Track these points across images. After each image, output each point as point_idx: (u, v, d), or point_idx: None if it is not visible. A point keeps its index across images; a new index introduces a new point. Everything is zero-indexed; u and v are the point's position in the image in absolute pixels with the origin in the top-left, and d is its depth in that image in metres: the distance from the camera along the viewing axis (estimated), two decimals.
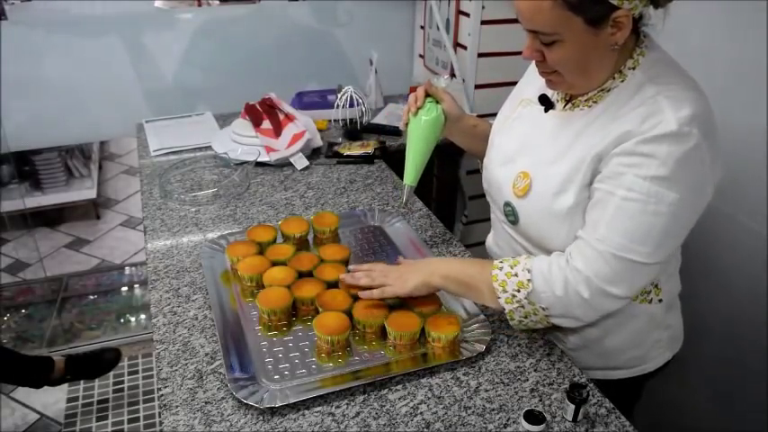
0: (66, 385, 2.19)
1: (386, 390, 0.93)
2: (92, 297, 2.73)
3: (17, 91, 2.01)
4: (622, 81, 0.92)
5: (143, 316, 2.62)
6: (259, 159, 1.64)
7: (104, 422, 2.10)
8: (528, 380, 0.96)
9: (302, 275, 1.13)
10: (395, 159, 1.73)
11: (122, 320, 2.59)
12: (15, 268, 2.90)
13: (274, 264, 1.16)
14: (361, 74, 2.23)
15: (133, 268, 2.95)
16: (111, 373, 2.23)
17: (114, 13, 2.03)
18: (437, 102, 1.18)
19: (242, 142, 1.71)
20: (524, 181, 1.01)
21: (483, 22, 1.89)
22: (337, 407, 0.90)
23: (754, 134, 1.33)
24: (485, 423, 0.88)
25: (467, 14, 1.92)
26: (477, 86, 1.98)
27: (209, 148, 1.77)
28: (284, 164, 1.67)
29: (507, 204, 1.05)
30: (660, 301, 1.06)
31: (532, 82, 1.07)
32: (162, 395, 0.93)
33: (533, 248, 1.06)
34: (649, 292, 1.05)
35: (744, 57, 1.34)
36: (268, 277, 1.12)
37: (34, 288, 2.78)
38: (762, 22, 1.28)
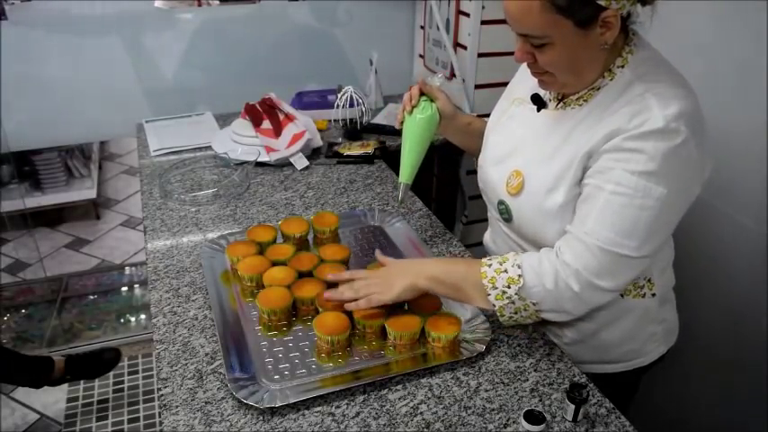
0: (66, 385, 2.19)
1: (386, 390, 0.93)
2: (92, 297, 2.73)
3: (17, 91, 2.01)
4: (611, 79, 0.93)
5: (143, 316, 2.62)
6: (259, 159, 1.64)
7: (104, 422, 2.10)
8: (528, 380, 0.96)
9: (302, 275, 1.13)
10: (395, 159, 1.73)
11: (122, 320, 2.59)
12: (15, 268, 2.90)
13: (274, 264, 1.16)
14: (361, 74, 2.23)
15: (133, 268, 2.95)
16: (111, 373, 2.23)
17: (114, 13, 2.03)
18: (431, 100, 1.19)
19: (242, 142, 1.71)
20: (517, 179, 1.02)
21: (483, 22, 1.89)
22: (337, 407, 0.90)
23: (752, 132, 1.33)
24: (485, 423, 0.88)
25: (467, 14, 1.92)
26: (477, 86, 1.98)
27: (209, 148, 1.77)
28: (284, 164, 1.67)
29: (501, 203, 1.07)
30: (654, 295, 1.07)
31: (524, 81, 1.08)
32: (162, 395, 0.93)
33: (528, 245, 1.07)
34: (642, 287, 1.06)
35: (743, 56, 1.35)
36: (268, 277, 1.12)
37: (34, 288, 2.78)
38: (762, 21, 1.28)
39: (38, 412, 2.15)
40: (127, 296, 2.76)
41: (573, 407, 0.87)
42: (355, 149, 1.73)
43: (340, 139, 1.85)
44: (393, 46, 2.34)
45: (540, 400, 0.92)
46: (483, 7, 1.87)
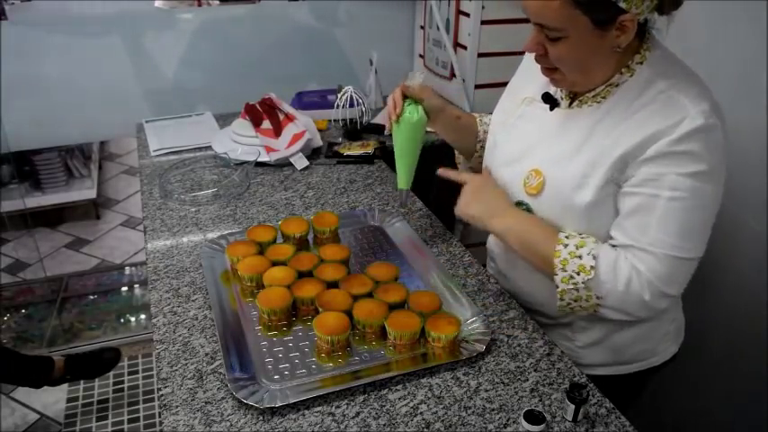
0: (66, 385, 2.19)
1: (386, 390, 0.93)
2: (92, 297, 2.73)
3: (17, 91, 2.01)
4: (631, 76, 0.93)
5: (143, 316, 2.62)
6: (259, 159, 1.64)
7: (104, 422, 2.10)
8: (528, 380, 0.96)
9: (302, 275, 1.13)
10: (394, 159, 1.73)
11: (122, 320, 2.59)
12: (15, 268, 2.90)
13: (274, 264, 1.16)
14: (361, 74, 2.23)
15: (133, 268, 2.95)
16: (111, 373, 2.23)
17: (114, 13, 2.03)
18: (416, 102, 1.18)
19: (242, 142, 1.71)
20: (537, 179, 1.01)
21: (483, 22, 1.89)
22: (337, 407, 0.90)
23: (752, 132, 1.33)
24: (485, 423, 0.88)
25: (467, 14, 1.92)
26: (477, 86, 1.98)
27: (209, 148, 1.77)
28: (284, 164, 1.67)
29: (519, 203, 1.05)
30: None
31: (533, 80, 1.07)
32: (162, 395, 0.93)
33: None
34: None
35: (743, 55, 1.35)
36: (268, 277, 1.12)
37: (34, 288, 2.78)
38: (762, 21, 1.28)
39: (38, 412, 2.15)
40: (127, 296, 2.76)
41: (573, 407, 0.87)
42: (355, 149, 1.73)
43: (340, 139, 1.85)
44: (393, 46, 2.34)
45: (540, 400, 0.92)
46: (483, 7, 1.87)
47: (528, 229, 1.01)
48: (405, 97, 1.18)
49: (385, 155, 1.74)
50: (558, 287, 0.96)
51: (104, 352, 2.15)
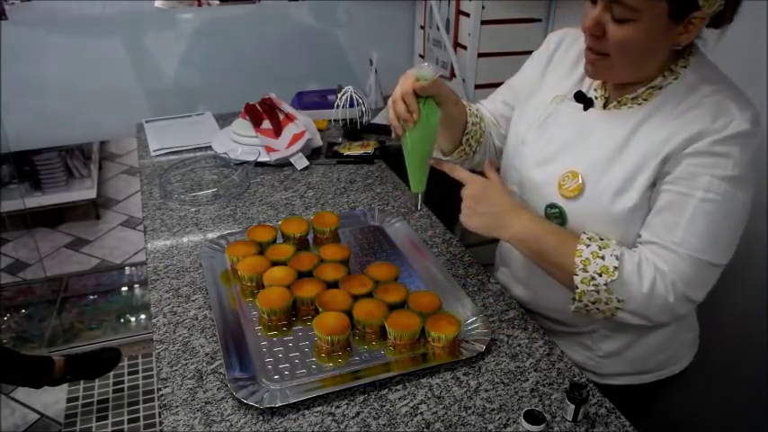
0: (66, 385, 2.19)
1: (386, 390, 0.93)
2: (92, 297, 2.73)
3: (17, 91, 2.01)
4: (675, 79, 0.92)
5: (143, 316, 2.62)
6: (259, 159, 1.64)
7: (104, 422, 2.10)
8: (528, 380, 0.96)
9: (302, 275, 1.13)
10: (395, 159, 1.73)
11: (122, 320, 2.59)
12: (15, 268, 2.90)
13: (274, 264, 1.16)
14: (361, 74, 2.23)
15: (133, 268, 2.95)
16: (111, 373, 2.23)
17: (114, 13, 2.03)
18: (426, 97, 1.03)
19: (242, 142, 1.71)
20: (574, 181, 0.97)
21: (483, 22, 1.89)
22: (337, 407, 0.90)
23: None
24: (485, 423, 0.88)
25: (467, 14, 1.92)
26: (477, 86, 1.98)
27: (209, 148, 1.77)
28: (284, 164, 1.67)
29: (552, 206, 1.00)
30: None
31: (564, 78, 1.05)
32: (162, 395, 0.93)
33: None
34: None
35: (743, 55, 1.34)
36: (268, 277, 1.12)
37: (34, 288, 2.78)
38: (762, 21, 1.27)
39: (38, 412, 2.14)
40: (127, 296, 2.76)
41: (573, 407, 0.87)
42: (355, 149, 1.73)
43: (340, 139, 1.85)
44: (393, 46, 2.34)
45: (540, 400, 0.92)
46: (483, 7, 1.87)
47: (541, 235, 0.96)
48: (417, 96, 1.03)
49: (385, 155, 1.74)
50: (576, 288, 0.92)
51: (104, 352, 2.15)
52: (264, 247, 1.21)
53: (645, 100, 0.94)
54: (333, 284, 1.11)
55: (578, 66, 1.05)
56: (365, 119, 1.91)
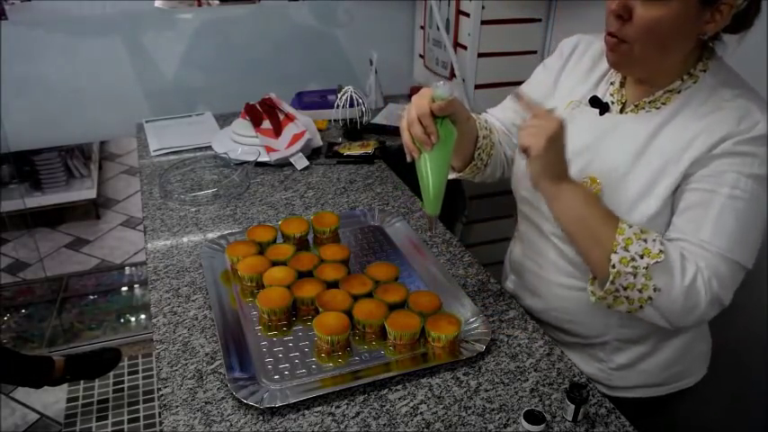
0: (66, 385, 2.19)
1: (386, 390, 0.93)
2: (92, 297, 2.73)
3: (17, 91, 2.01)
4: (694, 83, 0.91)
5: (143, 316, 2.62)
6: (259, 159, 1.64)
7: (104, 422, 2.10)
8: (528, 380, 0.96)
9: (302, 275, 1.13)
10: (395, 159, 1.73)
11: (122, 320, 2.59)
12: (15, 268, 2.90)
13: (274, 264, 1.16)
14: (361, 74, 2.23)
15: (133, 268, 2.95)
16: (111, 373, 2.23)
17: (114, 13, 2.03)
18: (442, 117, 0.97)
19: (242, 142, 1.71)
20: (593, 187, 0.95)
21: (483, 22, 1.89)
22: (337, 407, 0.90)
23: None
24: (485, 423, 0.88)
25: (467, 14, 1.92)
26: (477, 86, 1.98)
27: (209, 148, 1.77)
28: (284, 164, 1.67)
29: None
30: None
31: (579, 83, 1.05)
32: (162, 395, 0.93)
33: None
34: None
35: (744, 55, 1.34)
36: (268, 277, 1.12)
37: (34, 288, 2.78)
38: (761, 21, 1.27)
39: (38, 412, 2.15)
40: (127, 296, 2.76)
41: (573, 407, 0.87)
42: (355, 149, 1.73)
43: (340, 139, 1.85)
44: (393, 46, 2.34)
45: (540, 400, 0.92)
46: (483, 7, 1.87)
47: (591, 199, 0.90)
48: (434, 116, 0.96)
49: (385, 155, 1.74)
50: (613, 267, 0.85)
51: (105, 352, 2.15)
52: (264, 247, 1.21)
53: (663, 104, 0.93)
54: (333, 284, 1.11)
55: (593, 71, 1.04)
56: (365, 119, 1.91)
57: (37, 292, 2.75)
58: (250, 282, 1.14)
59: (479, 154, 1.13)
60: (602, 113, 1.00)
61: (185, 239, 1.33)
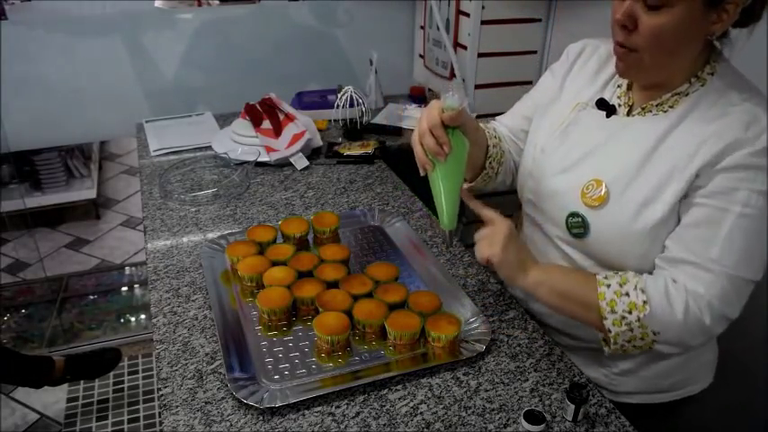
0: (66, 385, 2.19)
1: (386, 390, 0.93)
2: (92, 297, 2.73)
3: (17, 91, 2.01)
4: (702, 85, 0.91)
5: (143, 316, 2.62)
6: (259, 159, 1.64)
7: (104, 422, 2.10)
8: (528, 380, 0.96)
9: (302, 275, 1.13)
10: (395, 159, 1.74)
11: (122, 320, 2.59)
12: (15, 268, 2.90)
13: (274, 264, 1.16)
14: (361, 74, 2.23)
15: (133, 268, 2.95)
16: (111, 373, 2.23)
17: (114, 13, 2.03)
18: (453, 128, 0.96)
19: (242, 142, 1.71)
20: (598, 190, 0.94)
21: (483, 22, 1.89)
22: (337, 407, 0.90)
23: None
24: (485, 423, 0.88)
25: (467, 14, 1.92)
26: (477, 86, 1.98)
27: (209, 148, 1.77)
28: (284, 164, 1.67)
29: (574, 215, 0.97)
30: None
31: (585, 86, 1.04)
32: (162, 395, 0.93)
33: (595, 267, 0.99)
34: None
35: (743, 55, 1.34)
36: (268, 277, 1.12)
37: (34, 288, 2.78)
38: (761, 21, 1.27)
39: (38, 412, 2.15)
40: (127, 296, 2.76)
41: (573, 407, 0.87)
42: (355, 149, 1.73)
43: (340, 139, 1.85)
44: (393, 46, 2.34)
45: (540, 400, 0.92)
46: (483, 7, 1.87)
47: (562, 279, 0.95)
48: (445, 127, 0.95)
49: (385, 155, 1.74)
50: (610, 332, 0.89)
51: (105, 352, 2.15)
52: (264, 247, 1.21)
53: (671, 107, 0.92)
54: (333, 284, 1.11)
55: (600, 74, 1.04)
56: (365, 119, 1.91)
57: (37, 292, 2.75)
58: (250, 282, 1.14)
59: (490, 162, 1.13)
60: (608, 116, 0.99)
61: (185, 239, 1.33)
